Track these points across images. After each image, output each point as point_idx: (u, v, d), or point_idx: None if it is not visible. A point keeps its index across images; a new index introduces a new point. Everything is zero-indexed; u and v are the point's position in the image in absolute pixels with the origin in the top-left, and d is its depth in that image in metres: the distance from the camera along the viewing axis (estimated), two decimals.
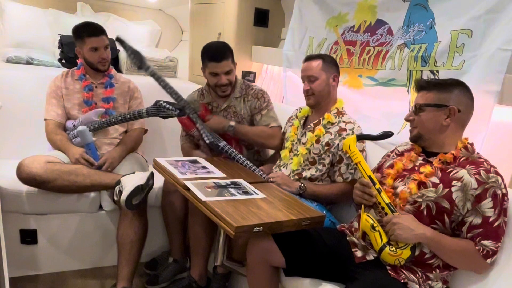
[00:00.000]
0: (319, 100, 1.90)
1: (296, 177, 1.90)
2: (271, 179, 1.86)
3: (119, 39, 2.10)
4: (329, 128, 1.87)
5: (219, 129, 2.10)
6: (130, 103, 2.35)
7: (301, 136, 1.96)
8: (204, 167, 1.89)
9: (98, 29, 2.18)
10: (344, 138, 1.81)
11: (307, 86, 1.90)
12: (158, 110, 2.05)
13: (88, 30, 2.16)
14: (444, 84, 1.42)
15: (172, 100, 2.09)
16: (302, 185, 1.82)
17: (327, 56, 1.98)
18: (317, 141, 1.87)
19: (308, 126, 1.95)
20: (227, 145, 2.05)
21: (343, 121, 1.87)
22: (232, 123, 2.10)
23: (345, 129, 1.84)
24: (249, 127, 2.17)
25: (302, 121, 2.02)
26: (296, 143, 1.97)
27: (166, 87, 2.07)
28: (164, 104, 2.03)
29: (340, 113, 1.91)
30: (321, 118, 1.91)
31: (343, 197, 1.83)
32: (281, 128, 2.18)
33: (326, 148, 1.85)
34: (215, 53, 2.06)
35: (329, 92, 1.91)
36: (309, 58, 1.94)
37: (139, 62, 2.08)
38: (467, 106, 1.40)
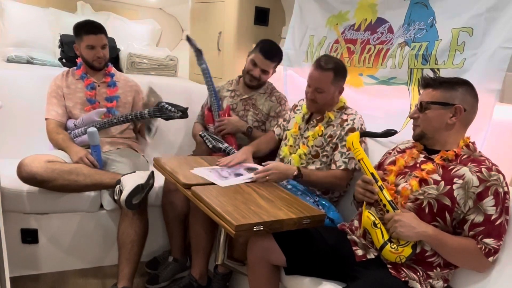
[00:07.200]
0: (320, 108, 1.93)
1: None
2: (267, 178, 1.76)
3: (188, 38, 2.31)
4: (331, 122, 1.91)
5: (236, 127, 2.26)
6: (135, 101, 2.38)
7: (304, 131, 1.98)
8: (249, 169, 1.87)
9: (97, 27, 2.19)
10: (343, 128, 1.85)
11: (312, 96, 1.88)
12: (160, 111, 2.04)
13: (86, 28, 2.17)
14: (450, 82, 1.41)
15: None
16: (298, 172, 1.80)
17: (339, 66, 1.88)
18: (320, 135, 1.90)
19: (311, 122, 1.98)
20: (229, 147, 2.08)
21: (345, 113, 1.91)
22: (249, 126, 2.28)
23: (346, 120, 1.88)
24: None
25: (306, 117, 2.03)
26: (299, 138, 1.99)
27: (210, 88, 2.31)
28: (166, 105, 2.01)
29: (342, 108, 1.95)
30: (324, 115, 1.94)
31: (334, 185, 1.87)
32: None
33: (328, 139, 1.88)
34: (264, 49, 2.26)
35: (333, 101, 1.93)
36: (320, 67, 1.83)
37: (198, 59, 2.32)
38: (472, 106, 1.40)
